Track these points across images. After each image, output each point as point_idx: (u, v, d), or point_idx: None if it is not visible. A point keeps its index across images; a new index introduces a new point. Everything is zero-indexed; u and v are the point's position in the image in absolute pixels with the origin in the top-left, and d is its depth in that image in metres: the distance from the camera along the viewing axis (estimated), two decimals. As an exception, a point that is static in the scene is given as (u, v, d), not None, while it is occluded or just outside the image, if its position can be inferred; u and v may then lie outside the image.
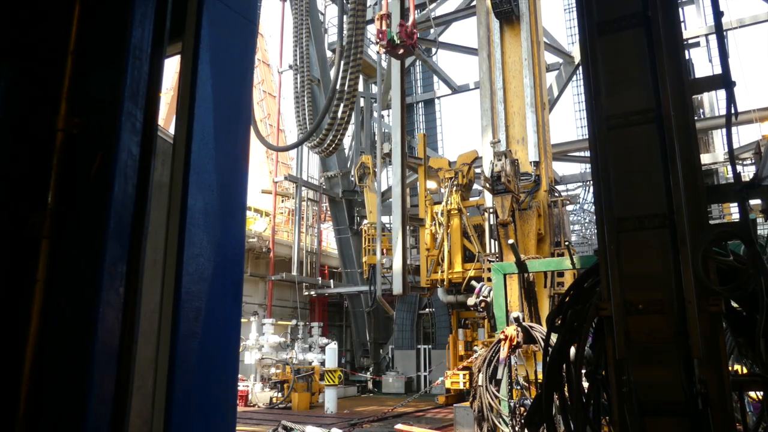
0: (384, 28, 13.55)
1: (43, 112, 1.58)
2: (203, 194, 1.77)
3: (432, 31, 23.19)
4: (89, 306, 1.44)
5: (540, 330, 6.82)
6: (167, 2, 1.75)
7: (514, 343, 6.77)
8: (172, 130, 1.89)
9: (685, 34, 19.68)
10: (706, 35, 20.38)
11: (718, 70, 2.72)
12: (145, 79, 1.65)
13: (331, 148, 18.45)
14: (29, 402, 1.40)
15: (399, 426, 11.16)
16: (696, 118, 18.58)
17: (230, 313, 1.87)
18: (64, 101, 1.57)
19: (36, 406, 1.41)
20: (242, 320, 17.14)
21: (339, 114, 16.67)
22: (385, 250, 19.60)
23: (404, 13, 14.12)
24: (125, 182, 1.55)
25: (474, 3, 14.38)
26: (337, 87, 16.37)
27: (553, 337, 3.16)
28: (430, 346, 21.80)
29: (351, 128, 21.08)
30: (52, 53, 1.64)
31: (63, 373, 1.44)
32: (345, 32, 16.52)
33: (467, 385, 15.55)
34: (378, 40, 13.68)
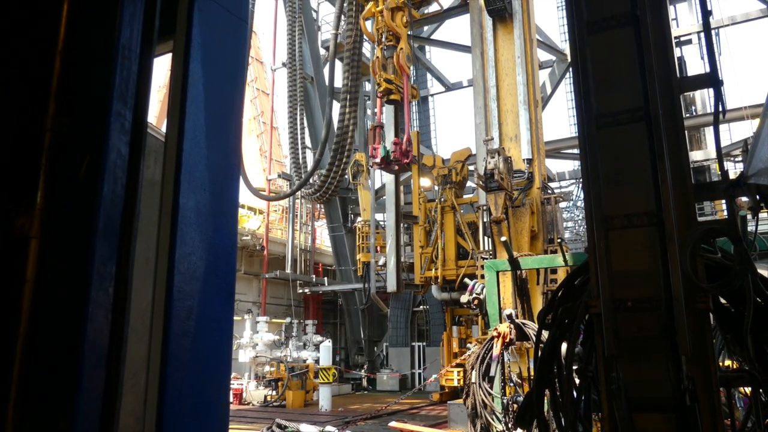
0: (377, 144, 13.36)
1: (31, 111, 1.58)
2: (195, 193, 1.78)
3: (425, 28, 23.20)
4: (78, 306, 1.45)
5: (533, 327, 6.86)
6: (156, 2, 1.75)
7: (507, 340, 6.81)
8: (164, 129, 1.89)
9: (677, 32, 19.78)
10: (698, 33, 20.47)
11: (708, 69, 2.75)
12: (135, 78, 1.65)
13: (326, 197, 18.67)
14: (18, 402, 1.41)
15: (393, 423, 11.18)
16: (687, 115, 18.64)
17: (222, 311, 1.87)
18: (53, 101, 1.57)
19: (25, 405, 1.42)
20: (236, 318, 17.15)
21: (335, 166, 16.82)
22: (379, 248, 19.62)
23: (399, 129, 13.79)
24: (114, 182, 1.55)
25: (467, 0, 14.35)
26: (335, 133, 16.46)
27: (545, 335, 3.18)
28: (424, 344, 21.85)
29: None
30: (40, 53, 1.64)
31: (52, 373, 1.44)
32: (343, 79, 16.56)
33: (461, 382, 15.60)
34: (371, 157, 13.47)
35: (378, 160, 13.17)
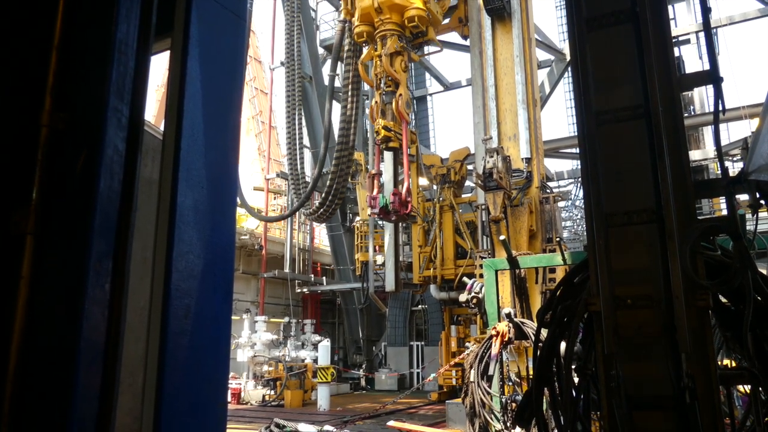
0: (376, 192, 13.13)
1: (27, 107, 1.57)
2: (193, 191, 1.77)
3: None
4: (75, 303, 1.43)
5: (531, 326, 6.85)
6: (153, -3, 1.74)
7: (506, 339, 6.80)
8: (162, 127, 1.88)
9: (676, 31, 19.79)
10: (696, 32, 20.50)
11: (707, 67, 2.74)
12: (132, 74, 1.64)
13: (324, 217, 18.69)
14: (14, 400, 1.39)
15: (391, 423, 11.18)
16: (686, 114, 18.67)
17: (220, 310, 1.86)
18: (49, 96, 1.56)
19: (21, 404, 1.41)
20: (234, 318, 17.12)
21: (334, 187, 16.81)
22: (377, 247, 19.62)
23: (397, 178, 13.45)
24: (111, 178, 1.54)
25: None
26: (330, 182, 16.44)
27: (544, 333, 3.17)
28: (422, 343, 21.84)
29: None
30: (36, 48, 1.63)
31: (48, 371, 1.43)
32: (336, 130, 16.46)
33: (459, 381, 15.60)
34: (370, 207, 13.26)
35: (377, 210, 12.89)
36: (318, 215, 18.50)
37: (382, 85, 12.97)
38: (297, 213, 24.56)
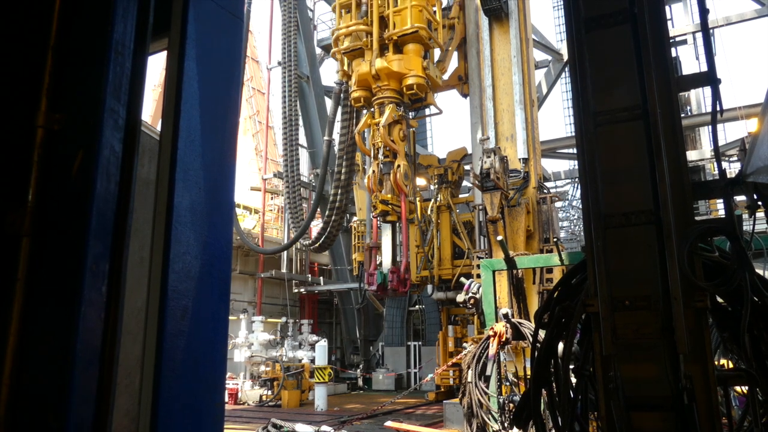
0: (373, 268, 12.78)
1: (23, 108, 1.56)
2: (190, 192, 1.76)
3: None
4: (71, 305, 1.43)
5: (529, 326, 6.85)
6: (150, -3, 1.74)
7: (503, 339, 6.80)
8: (159, 127, 1.87)
9: (673, 32, 19.83)
10: (693, 33, 20.55)
11: (704, 68, 2.74)
12: (128, 75, 1.63)
13: (323, 246, 18.72)
14: (10, 402, 1.39)
15: (389, 423, 11.17)
16: (683, 115, 18.72)
17: (218, 311, 1.86)
18: (45, 97, 1.55)
19: (17, 405, 1.40)
20: (232, 318, 17.07)
21: (332, 220, 16.80)
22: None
23: (396, 255, 13.18)
24: (108, 180, 1.53)
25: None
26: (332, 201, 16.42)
27: (542, 334, 3.17)
28: (420, 343, 21.85)
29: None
30: (32, 48, 1.62)
31: (44, 373, 1.42)
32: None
33: (457, 381, 15.60)
34: (367, 284, 12.98)
35: (374, 287, 12.60)
36: (316, 247, 18.56)
37: (380, 155, 12.63)
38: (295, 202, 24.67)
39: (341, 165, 16.74)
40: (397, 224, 13.19)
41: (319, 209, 20.10)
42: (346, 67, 13.50)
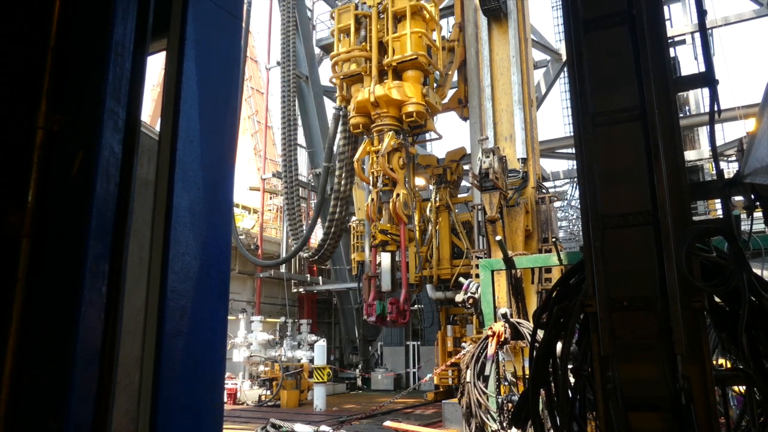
0: (372, 299, 12.62)
1: (23, 109, 1.56)
2: (189, 192, 1.76)
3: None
4: (71, 305, 1.43)
5: (527, 326, 6.86)
6: (150, -1, 1.74)
7: (502, 339, 6.81)
8: (158, 127, 1.87)
9: (671, 32, 19.84)
10: (692, 33, 20.57)
11: (703, 68, 2.75)
12: (128, 75, 1.63)
13: (323, 258, 18.73)
14: (9, 402, 1.39)
15: (388, 423, 11.18)
16: (681, 115, 18.75)
17: (217, 311, 1.86)
18: (45, 98, 1.55)
19: (17, 406, 1.40)
20: (230, 318, 17.06)
21: (331, 232, 16.76)
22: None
23: (395, 287, 13.03)
24: (107, 180, 1.53)
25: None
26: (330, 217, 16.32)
27: (540, 334, 3.18)
28: (418, 343, 21.86)
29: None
30: (32, 49, 1.62)
31: (44, 373, 1.42)
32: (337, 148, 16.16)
33: (456, 381, 15.61)
34: (366, 315, 12.88)
35: (373, 318, 12.51)
36: (316, 259, 18.55)
37: (379, 183, 12.55)
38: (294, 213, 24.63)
39: (341, 176, 16.66)
40: (397, 253, 13.09)
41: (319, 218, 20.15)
42: (345, 92, 13.41)
